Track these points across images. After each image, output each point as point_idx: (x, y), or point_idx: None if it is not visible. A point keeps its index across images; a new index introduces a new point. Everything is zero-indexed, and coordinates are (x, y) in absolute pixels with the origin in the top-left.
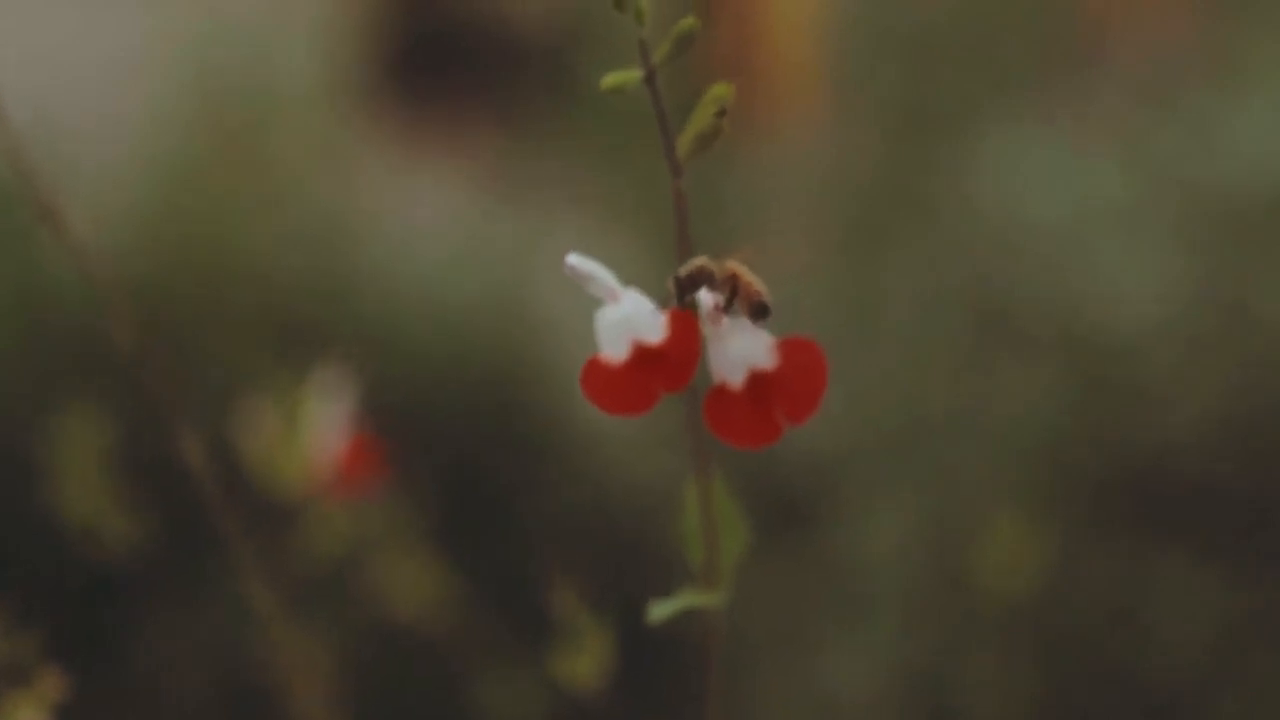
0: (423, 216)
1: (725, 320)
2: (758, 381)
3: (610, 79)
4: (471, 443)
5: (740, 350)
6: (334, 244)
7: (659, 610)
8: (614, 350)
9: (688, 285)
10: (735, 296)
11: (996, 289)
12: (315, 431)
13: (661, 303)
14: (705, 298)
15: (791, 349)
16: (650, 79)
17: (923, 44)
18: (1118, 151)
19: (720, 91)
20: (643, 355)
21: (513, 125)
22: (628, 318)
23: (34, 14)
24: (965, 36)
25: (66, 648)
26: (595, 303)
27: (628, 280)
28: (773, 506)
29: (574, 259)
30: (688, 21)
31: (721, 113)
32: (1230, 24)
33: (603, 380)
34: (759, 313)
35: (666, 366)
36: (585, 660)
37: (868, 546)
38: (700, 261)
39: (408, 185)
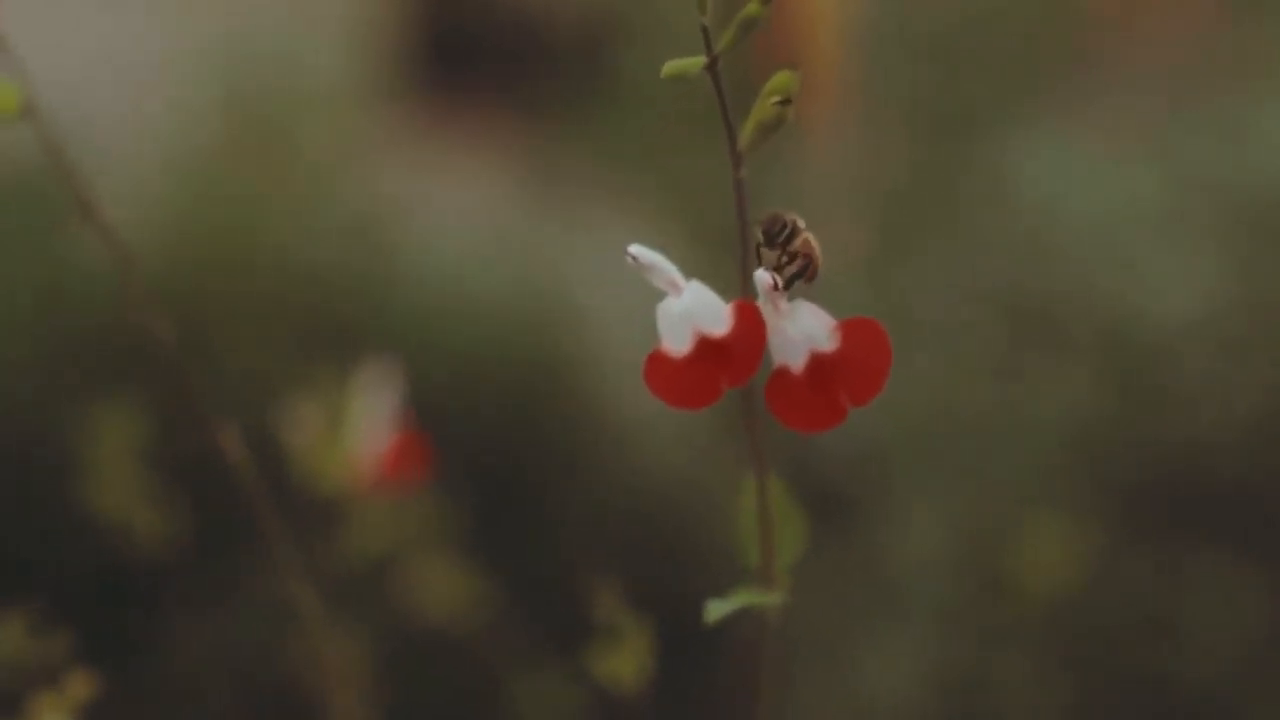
0: (454, 212)
1: (784, 302)
2: (819, 363)
3: (671, 66)
4: (505, 440)
5: (801, 332)
6: (366, 240)
7: (715, 609)
8: (677, 342)
9: (779, 231)
10: (807, 269)
11: (1029, 289)
12: (360, 430)
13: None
14: (763, 277)
15: (853, 329)
16: (712, 66)
17: (951, 45)
18: (1147, 152)
19: (784, 80)
20: (706, 347)
21: (543, 119)
22: (691, 309)
23: (62, 14)
24: (993, 37)
25: (96, 648)
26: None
27: None
28: (808, 507)
29: (636, 249)
30: (753, 7)
31: (785, 101)
32: (1258, 24)
33: (666, 373)
34: (810, 277)
35: (731, 359)
36: (626, 660)
37: (903, 547)
38: (795, 216)
39: (438, 181)
